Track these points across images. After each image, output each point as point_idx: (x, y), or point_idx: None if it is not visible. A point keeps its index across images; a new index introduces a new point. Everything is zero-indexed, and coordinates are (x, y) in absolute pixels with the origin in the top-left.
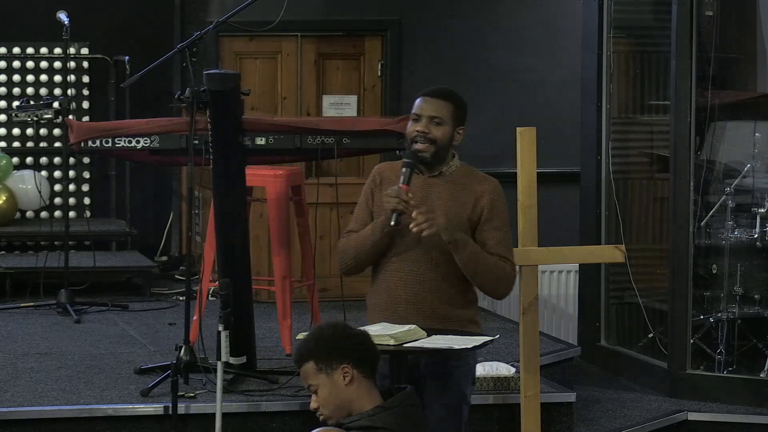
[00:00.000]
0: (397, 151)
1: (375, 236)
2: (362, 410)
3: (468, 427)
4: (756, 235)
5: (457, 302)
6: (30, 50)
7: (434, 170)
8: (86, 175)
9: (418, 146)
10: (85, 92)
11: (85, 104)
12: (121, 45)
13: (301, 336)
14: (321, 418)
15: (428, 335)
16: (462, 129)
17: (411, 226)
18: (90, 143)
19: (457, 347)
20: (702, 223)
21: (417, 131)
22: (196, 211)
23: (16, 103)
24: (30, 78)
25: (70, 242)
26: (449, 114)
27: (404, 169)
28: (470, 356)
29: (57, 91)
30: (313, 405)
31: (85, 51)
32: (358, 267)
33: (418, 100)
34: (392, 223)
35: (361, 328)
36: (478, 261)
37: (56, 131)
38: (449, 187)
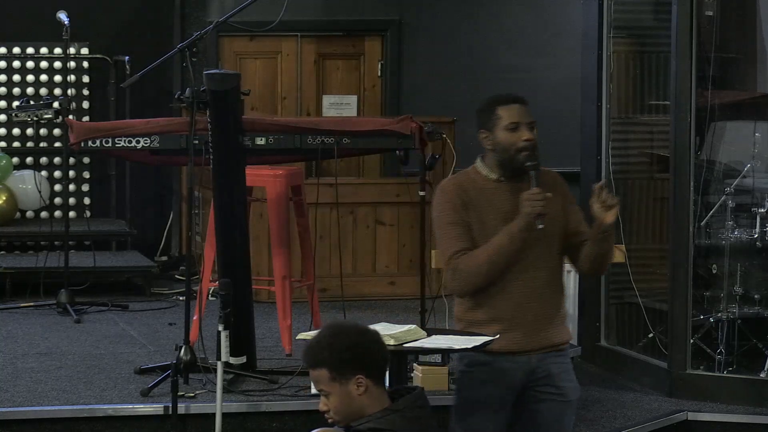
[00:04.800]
0: (397, 152)
1: (514, 244)
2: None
3: None
4: (756, 235)
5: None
6: (30, 50)
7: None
8: (86, 175)
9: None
10: (85, 92)
11: (85, 104)
12: (121, 45)
13: (307, 335)
14: (330, 421)
15: (428, 335)
16: None
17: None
18: (90, 143)
19: (457, 347)
20: (702, 223)
21: (526, 140)
22: (196, 211)
23: (16, 103)
24: (30, 78)
25: (70, 242)
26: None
27: (532, 173)
28: None
29: (57, 91)
30: (322, 407)
31: (85, 51)
32: (487, 283)
33: (508, 108)
34: (540, 226)
35: None
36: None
37: (56, 131)
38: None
